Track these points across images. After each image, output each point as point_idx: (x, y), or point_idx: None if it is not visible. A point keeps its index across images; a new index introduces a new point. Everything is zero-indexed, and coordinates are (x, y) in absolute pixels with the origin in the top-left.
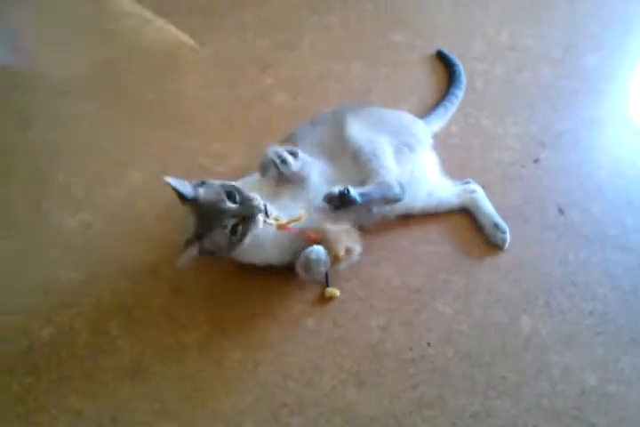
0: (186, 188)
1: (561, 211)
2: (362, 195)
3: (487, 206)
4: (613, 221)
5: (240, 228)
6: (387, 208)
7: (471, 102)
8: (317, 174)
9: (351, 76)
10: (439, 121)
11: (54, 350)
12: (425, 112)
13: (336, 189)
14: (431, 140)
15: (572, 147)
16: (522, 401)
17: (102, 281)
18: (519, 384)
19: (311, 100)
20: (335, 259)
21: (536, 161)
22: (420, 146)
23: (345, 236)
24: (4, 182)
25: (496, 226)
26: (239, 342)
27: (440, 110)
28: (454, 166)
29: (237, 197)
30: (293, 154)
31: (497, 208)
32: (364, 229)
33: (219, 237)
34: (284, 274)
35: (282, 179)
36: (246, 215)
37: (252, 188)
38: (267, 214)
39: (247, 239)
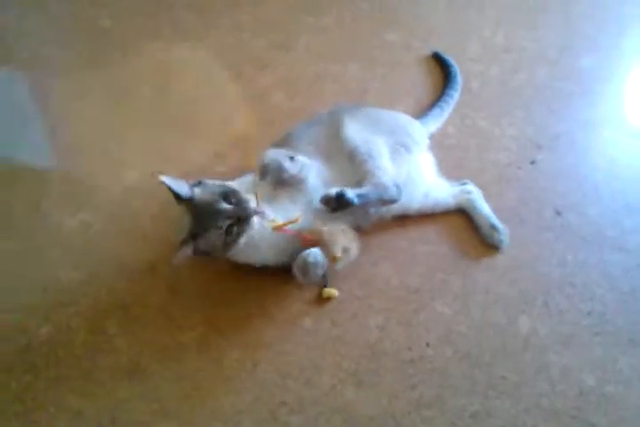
0: (182, 187)
1: (558, 212)
2: (359, 196)
3: (484, 207)
4: (610, 222)
5: (235, 229)
6: (383, 209)
7: (467, 103)
8: (314, 176)
9: (347, 76)
10: (435, 122)
11: (52, 348)
12: (421, 113)
13: (333, 191)
14: (427, 141)
15: (569, 149)
16: (521, 401)
17: (100, 280)
18: (518, 384)
19: (308, 100)
20: (333, 259)
21: (532, 162)
22: (417, 146)
23: (341, 236)
24: (3, 183)
25: (493, 227)
26: (237, 342)
27: (436, 111)
28: (451, 167)
29: (233, 199)
30: (291, 158)
31: (493, 209)
32: (361, 230)
33: (213, 237)
34: (281, 274)
35: (279, 181)
36: (241, 217)
37: (249, 188)
38: (262, 216)
39: (242, 240)
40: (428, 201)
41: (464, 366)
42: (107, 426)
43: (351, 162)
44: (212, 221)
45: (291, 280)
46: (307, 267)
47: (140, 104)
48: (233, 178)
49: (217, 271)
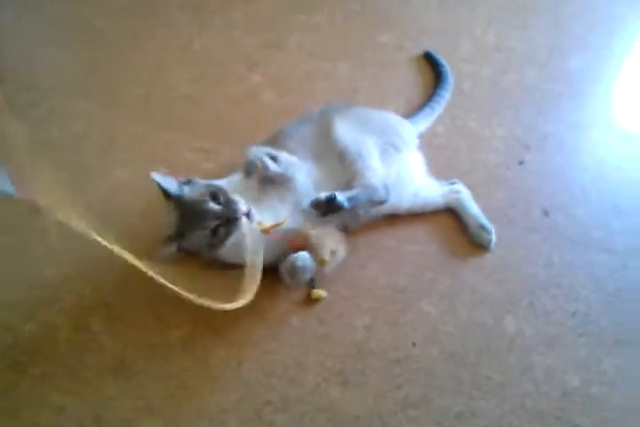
0: (171, 185)
1: (545, 213)
2: (349, 200)
3: (473, 207)
4: (598, 223)
5: (222, 230)
6: (372, 210)
7: (459, 104)
8: (304, 175)
9: (338, 75)
10: (425, 121)
11: (37, 346)
12: (412, 112)
13: (323, 196)
14: (417, 141)
15: (557, 150)
16: (506, 402)
17: (85, 278)
18: (503, 385)
19: (299, 98)
20: (321, 263)
21: (521, 163)
22: (406, 146)
23: (329, 238)
24: None
25: (481, 226)
26: (223, 340)
27: (426, 111)
28: (440, 167)
29: (222, 199)
30: (273, 158)
31: (482, 209)
32: (349, 230)
33: (199, 237)
34: (269, 273)
35: (266, 180)
36: (229, 218)
37: (237, 188)
38: (250, 218)
39: (228, 241)
40: (418, 200)
41: (450, 366)
42: (91, 424)
43: (341, 162)
44: (199, 221)
45: (279, 280)
46: (295, 270)
47: (130, 101)
48: (222, 176)
49: (204, 269)
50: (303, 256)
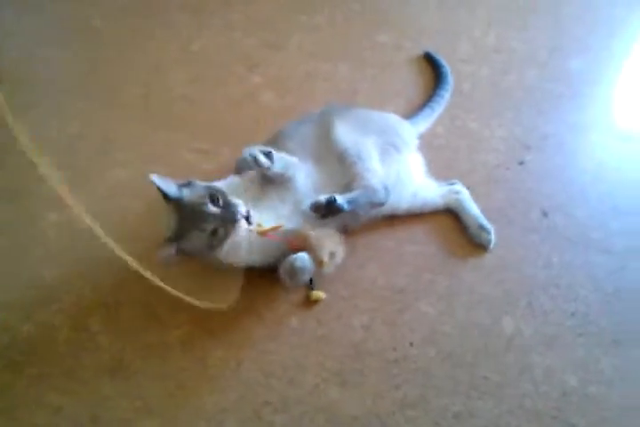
0: (170, 187)
1: (545, 214)
2: (349, 202)
3: (472, 207)
4: (597, 224)
5: (220, 232)
6: (372, 211)
7: (458, 104)
8: (303, 176)
9: (338, 76)
10: (425, 122)
11: (35, 346)
12: (411, 113)
13: (323, 198)
14: (417, 141)
15: (557, 150)
16: (504, 402)
17: (84, 278)
18: (501, 385)
19: (298, 99)
20: (320, 264)
21: (521, 163)
22: (406, 146)
23: (327, 240)
24: None
25: (481, 227)
26: (222, 341)
27: (426, 111)
28: (440, 167)
29: (221, 201)
30: (267, 155)
31: (481, 210)
32: (348, 231)
33: (198, 239)
34: (269, 274)
35: (266, 180)
36: (228, 220)
37: (237, 189)
38: (248, 221)
39: (226, 244)
40: (417, 201)
41: (447, 367)
42: (88, 424)
43: (341, 163)
44: (197, 224)
45: (278, 281)
46: (294, 271)
47: (129, 102)
48: (221, 177)
49: (205, 270)
50: (302, 257)
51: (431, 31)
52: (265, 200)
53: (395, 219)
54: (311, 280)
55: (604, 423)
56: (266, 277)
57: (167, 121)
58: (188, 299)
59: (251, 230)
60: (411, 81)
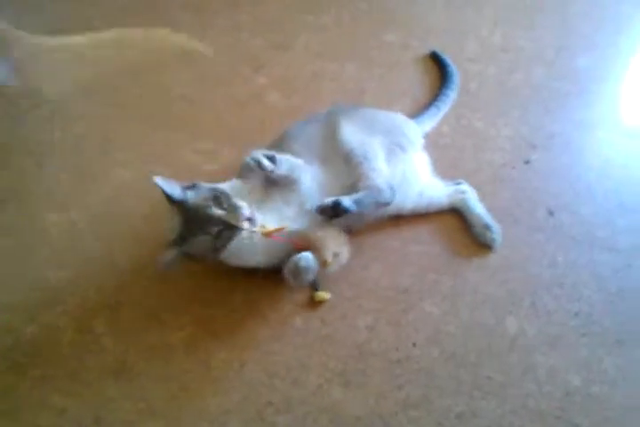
0: (174, 189)
1: (550, 213)
2: (355, 203)
3: (477, 207)
4: (602, 222)
5: (224, 234)
6: (377, 211)
7: (464, 104)
8: (309, 177)
9: (345, 76)
10: (431, 121)
11: (39, 347)
12: (417, 112)
13: (329, 201)
14: (423, 140)
15: (563, 149)
16: (507, 402)
17: (88, 280)
18: (504, 385)
19: (305, 99)
20: (324, 264)
21: (527, 162)
22: (412, 146)
23: (332, 240)
24: None
25: (486, 226)
26: (226, 342)
27: (432, 110)
28: (446, 167)
29: (225, 203)
30: (271, 158)
31: (487, 209)
32: (353, 230)
33: (202, 242)
34: (272, 275)
35: (270, 182)
36: (231, 223)
37: (241, 191)
38: (252, 223)
39: (231, 246)
40: (423, 200)
41: (450, 367)
42: (91, 425)
43: (347, 164)
44: (201, 226)
45: (282, 281)
46: (298, 271)
47: (131, 102)
48: (225, 177)
49: (208, 272)
50: (306, 257)
51: (438, 30)
52: (269, 202)
53: (400, 219)
54: (315, 281)
55: (608, 423)
56: (270, 277)
57: (171, 122)
58: None
59: (255, 232)
60: (417, 80)
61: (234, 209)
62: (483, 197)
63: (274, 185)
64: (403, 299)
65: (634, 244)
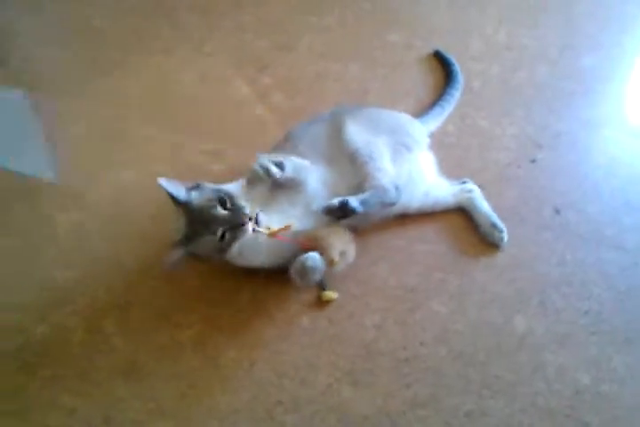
0: (178, 190)
1: (557, 211)
2: (362, 203)
3: (484, 206)
4: (609, 220)
5: (228, 235)
6: (384, 211)
7: (468, 102)
8: (315, 178)
9: (348, 76)
10: (435, 121)
11: (48, 348)
12: (422, 112)
13: (336, 201)
14: (428, 140)
15: (569, 147)
16: (516, 400)
17: (98, 280)
18: (513, 383)
19: (308, 100)
20: (330, 263)
21: (533, 161)
22: (417, 145)
23: (338, 239)
24: None
25: (493, 225)
26: (234, 341)
27: (437, 110)
28: (451, 166)
29: (229, 204)
30: (279, 165)
31: (493, 208)
32: (359, 230)
33: (207, 242)
34: (279, 275)
35: (276, 184)
36: (236, 223)
37: (246, 192)
38: (257, 223)
39: (235, 246)
40: (428, 200)
41: (459, 366)
42: (101, 425)
43: (352, 164)
44: (206, 227)
45: (289, 281)
46: (305, 271)
47: (134, 102)
48: (231, 178)
49: (214, 271)
50: (313, 256)
51: (442, 30)
52: (274, 203)
53: (406, 218)
54: (322, 281)
55: (617, 422)
56: (276, 277)
57: (176, 122)
58: None
59: (260, 232)
60: (421, 80)
61: (238, 209)
62: (489, 196)
63: (280, 187)
64: (410, 298)
65: None
